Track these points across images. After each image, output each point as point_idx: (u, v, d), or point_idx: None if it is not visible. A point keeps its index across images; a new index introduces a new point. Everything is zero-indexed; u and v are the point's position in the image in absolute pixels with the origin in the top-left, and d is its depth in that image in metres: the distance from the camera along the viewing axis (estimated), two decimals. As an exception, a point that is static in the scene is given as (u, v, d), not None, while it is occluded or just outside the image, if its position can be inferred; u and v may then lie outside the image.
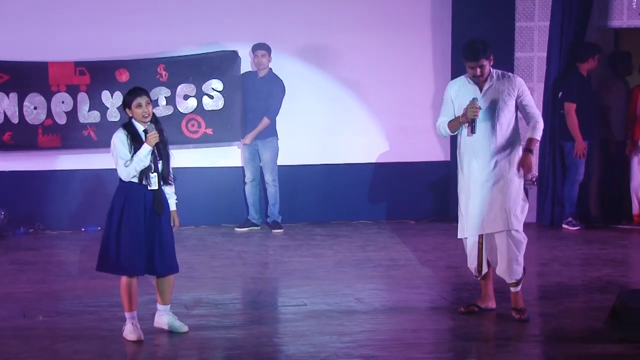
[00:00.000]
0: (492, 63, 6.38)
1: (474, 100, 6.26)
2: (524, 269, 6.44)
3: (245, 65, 10.05)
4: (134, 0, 9.95)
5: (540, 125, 6.37)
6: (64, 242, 9.34)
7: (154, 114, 6.09)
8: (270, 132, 9.93)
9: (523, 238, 6.39)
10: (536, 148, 10.20)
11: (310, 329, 6.23)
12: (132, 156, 5.92)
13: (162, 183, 6.03)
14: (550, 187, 10.16)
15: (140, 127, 6.01)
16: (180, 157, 9.80)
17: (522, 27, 10.54)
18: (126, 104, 6.03)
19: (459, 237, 6.52)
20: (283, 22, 10.16)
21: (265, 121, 9.87)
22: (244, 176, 10.09)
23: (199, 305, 6.80)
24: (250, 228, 10.00)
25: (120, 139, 5.97)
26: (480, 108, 6.25)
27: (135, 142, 5.95)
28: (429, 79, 10.48)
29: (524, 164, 6.33)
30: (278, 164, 10.00)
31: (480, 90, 6.36)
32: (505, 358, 5.79)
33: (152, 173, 5.99)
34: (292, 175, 10.18)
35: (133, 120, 6.02)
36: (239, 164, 10.19)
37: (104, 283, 7.25)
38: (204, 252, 8.85)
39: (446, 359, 5.74)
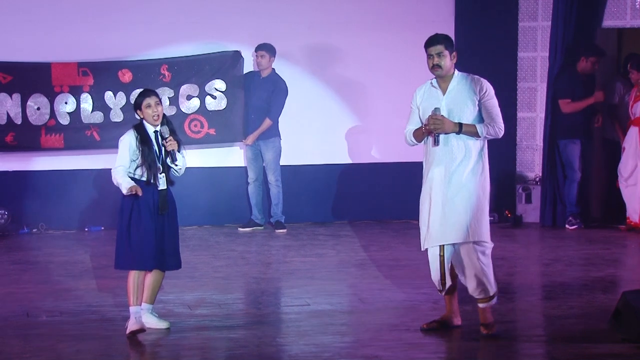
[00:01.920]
0: (454, 61, 6.03)
1: (436, 110, 5.98)
2: (495, 287, 6.07)
3: (249, 66, 10.05)
4: (137, 1, 9.96)
5: (493, 129, 5.91)
6: (67, 242, 9.35)
7: (164, 114, 6.12)
8: (273, 132, 9.93)
9: (488, 250, 6.02)
10: (536, 149, 10.29)
11: (313, 328, 6.22)
12: (137, 164, 5.95)
13: (169, 184, 6.09)
14: (551, 187, 10.16)
15: (150, 129, 6.06)
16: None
17: (525, 27, 10.53)
18: (136, 106, 6.10)
19: (422, 248, 6.21)
20: (286, 22, 10.16)
21: (268, 122, 9.87)
22: (247, 176, 10.09)
23: (202, 305, 6.80)
24: (253, 228, 9.99)
25: (127, 142, 6.01)
26: (442, 118, 5.94)
27: (144, 144, 6.00)
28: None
29: (444, 121, 5.90)
30: (281, 164, 10.00)
31: (444, 93, 6.06)
32: (508, 358, 5.79)
33: (161, 174, 6.05)
34: (295, 175, 10.18)
35: (144, 121, 6.06)
36: (242, 164, 10.19)
37: (107, 283, 7.27)
38: (207, 252, 8.85)
39: (449, 359, 5.73)
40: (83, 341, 5.92)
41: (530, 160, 10.55)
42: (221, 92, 9.95)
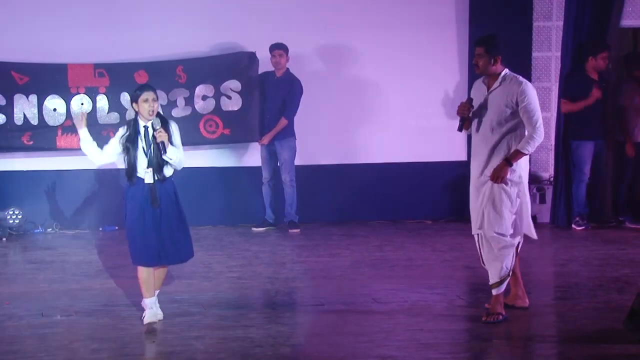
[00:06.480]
0: (497, 63, 6.30)
1: (470, 99, 6.40)
2: (503, 275, 6.33)
3: (263, 67, 10.07)
4: (153, 2, 10.00)
5: (534, 139, 6.22)
6: (81, 242, 9.39)
7: (160, 114, 6.22)
8: (288, 132, 9.95)
9: (503, 243, 6.30)
10: (550, 149, 10.29)
11: (327, 328, 6.22)
12: (124, 153, 6.18)
13: (157, 177, 6.15)
14: (564, 187, 10.13)
15: (142, 124, 6.17)
16: (198, 157, 9.96)
17: (539, 27, 10.51)
18: (133, 99, 6.19)
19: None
20: (301, 23, 10.18)
21: (283, 121, 9.89)
22: (262, 176, 10.10)
23: (216, 305, 6.81)
24: (267, 228, 10.01)
25: (119, 134, 6.22)
26: (470, 108, 6.35)
27: (130, 141, 6.15)
28: (446, 79, 10.48)
29: (494, 172, 6.27)
30: (295, 163, 10.01)
31: (487, 90, 6.38)
32: (522, 358, 5.78)
33: (148, 168, 6.14)
34: (309, 175, 10.19)
35: (138, 117, 6.17)
36: (257, 164, 10.21)
37: (122, 282, 7.30)
38: (221, 252, 8.87)
39: (463, 359, 5.72)
40: (98, 340, 5.94)
41: (545, 160, 10.52)
42: (236, 92, 9.97)
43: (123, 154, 6.18)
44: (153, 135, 6.13)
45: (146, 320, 6.18)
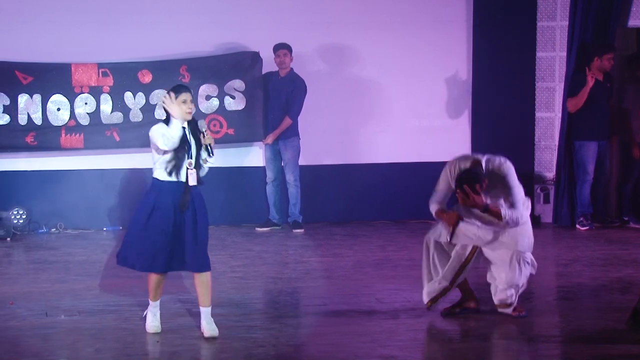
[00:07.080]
0: (485, 186, 6.20)
1: (459, 213, 6.34)
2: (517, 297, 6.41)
3: (266, 67, 10.07)
4: (156, 2, 10.01)
5: (513, 213, 6.15)
6: (85, 242, 9.40)
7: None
8: (293, 132, 9.95)
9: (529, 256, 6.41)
10: (554, 149, 10.29)
11: (330, 328, 6.23)
12: (167, 159, 5.90)
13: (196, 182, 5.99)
14: (567, 187, 10.13)
15: (178, 125, 5.93)
16: (201, 157, 9.95)
17: (543, 27, 10.50)
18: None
19: None
20: (303, 22, 10.18)
21: (287, 121, 9.90)
22: (266, 176, 10.11)
23: (219, 305, 6.79)
24: (271, 228, 10.02)
25: (160, 126, 5.92)
26: (460, 220, 6.31)
27: (182, 140, 5.93)
28: (449, 79, 10.48)
29: (468, 198, 6.16)
30: (299, 164, 10.01)
31: None
32: (525, 358, 5.78)
33: (192, 170, 5.97)
34: (313, 175, 10.20)
35: (171, 118, 5.97)
36: (261, 164, 10.22)
37: (125, 282, 7.30)
38: (224, 252, 8.87)
39: (464, 359, 5.72)
40: (101, 340, 5.95)
41: (549, 160, 10.52)
42: (240, 92, 9.98)
43: (169, 154, 5.89)
44: (198, 136, 5.96)
45: (148, 328, 6.07)
